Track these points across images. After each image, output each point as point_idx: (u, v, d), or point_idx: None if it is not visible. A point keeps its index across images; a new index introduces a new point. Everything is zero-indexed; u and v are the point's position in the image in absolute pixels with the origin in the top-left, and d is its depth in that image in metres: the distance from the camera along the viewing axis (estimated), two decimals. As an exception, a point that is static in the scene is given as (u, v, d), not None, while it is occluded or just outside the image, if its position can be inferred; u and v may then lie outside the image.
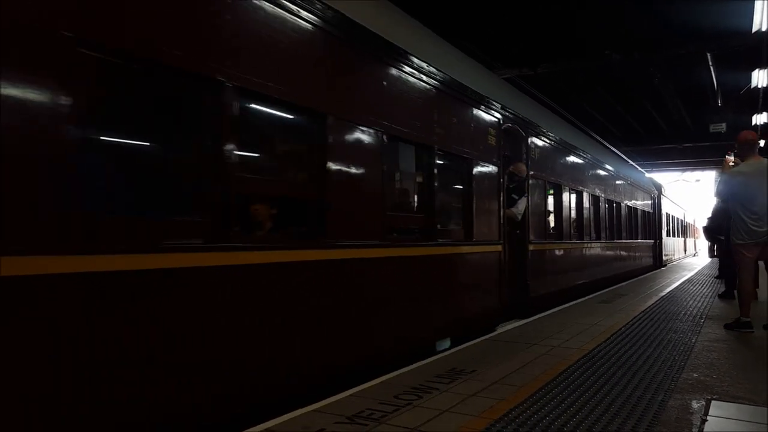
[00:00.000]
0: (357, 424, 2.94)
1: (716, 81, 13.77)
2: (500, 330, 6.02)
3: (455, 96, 5.62)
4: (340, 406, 3.23)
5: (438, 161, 5.24)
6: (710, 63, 12.26)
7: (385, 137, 4.38)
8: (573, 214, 9.85)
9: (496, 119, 6.52)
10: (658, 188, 19.59)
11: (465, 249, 5.81)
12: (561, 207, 9.11)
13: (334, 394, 3.47)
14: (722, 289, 9.26)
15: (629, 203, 14.39)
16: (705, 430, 2.89)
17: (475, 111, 6.07)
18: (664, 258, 19.86)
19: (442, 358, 4.55)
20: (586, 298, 9.09)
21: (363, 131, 4.19)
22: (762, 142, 16.95)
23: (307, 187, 3.92)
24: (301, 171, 4.12)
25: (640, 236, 15.81)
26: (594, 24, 10.39)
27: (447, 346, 5.26)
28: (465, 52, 7.35)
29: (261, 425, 2.93)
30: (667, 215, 21.73)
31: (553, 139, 8.64)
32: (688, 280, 12.65)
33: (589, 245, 10.59)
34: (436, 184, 5.17)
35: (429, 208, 5.18)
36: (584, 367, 4.23)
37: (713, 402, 3.34)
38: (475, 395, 3.47)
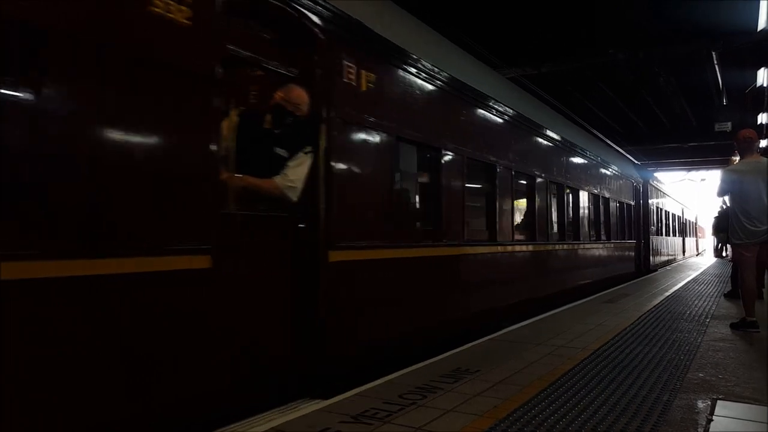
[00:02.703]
0: (362, 423, 2.94)
1: (721, 80, 13.70)
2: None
3: None
4: (344, 406, 3.24)
5: None
6: (715, 61, 12.20)
7: None
8: (477, 200, 6.53)
9: None
10: (646, 177, 16.73)
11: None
12: (441, 186, 5.51)
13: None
14: (728, 289, 9.24)
15: (596, 191, 11.09)
16: (711, 429, 2.88)
17: None
18: (653, 261, 16.76)
19: (446, 358, 4.54)
20: (590, 298, 9.05)
21: None
22: (765, 142, 16.86)
23: None
24: None
25: (614, 235, 12.39)
26: (598, 23, 10.36)
27: None
28: (469, 51, 7.32)
29: (265, 424, 2.95)
30: (659, 210, 18.80)
31: (423, 68, 5.20)
32: (694, 280, 12.60)
33: (504, 250, 6.93)
34: None
35: None
36: (589, 366, 4.22)
37: (719, 402, 3.34)
38: (479, 395, 3.47)
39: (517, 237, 7.39)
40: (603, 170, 11.98)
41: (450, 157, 5.68)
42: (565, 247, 9.34)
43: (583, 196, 10.36)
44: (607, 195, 11.94)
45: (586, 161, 10.73)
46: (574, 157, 9.96)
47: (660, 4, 9.59)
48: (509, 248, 7.17)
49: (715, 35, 10.46)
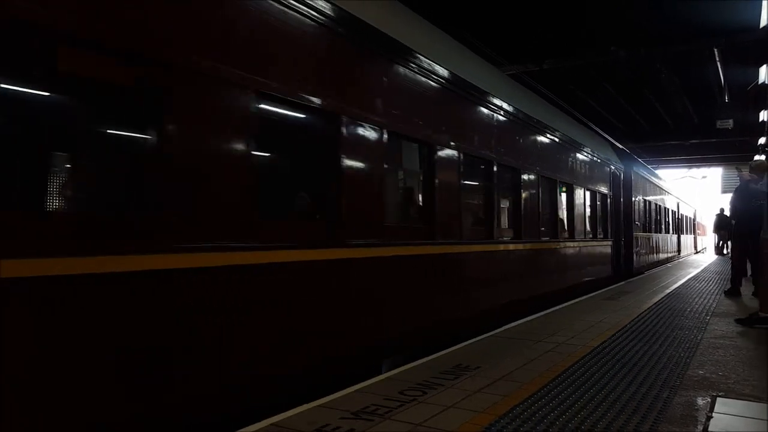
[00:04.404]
0: (362, 419, 2.95)
1: (723, 77, 13.69)
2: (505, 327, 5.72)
3: None
4: (345, 402, 3.25)
5: None
6: (717, 59, 12.19)
7: None
8: (315, 177, 4.35)
9: None
10: (629, 163, 13.91)
11: None
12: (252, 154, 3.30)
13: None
14: (728, 287, 9.23)
15: (548, 174, 8.46)
16: (710, 426, 2.88)
17: None
18: (638, 263, 14.18)
19: (447, 354, 4.55)
20: (592, 295, 9.04)
21: None
22: (764, 139, 16.83)
23: None
24: None
25: (578, 232, 9.90)
26: (600, 20, 10.33)
27: None
28: (470, 47, 7.27)
29: (266, 420, 2.95)
30: (647, 203, 15.98)
31: None
32: (694, 278, 12.60)
33: (373, 255, 4.41)
34: None
35: None
36: (589, 363, 4.23)
37: (719, 399, 3.34)
38: (479, 391, 3.48)
39: (429, 234, 5.15)
40: (562, 148, 9.21)
41: (268, 104, 3.47)
42: (493, 248, 6.78)
43: (529, 181, 7.70)
44: (568, 181, 9.47)
45: (533, 133, 8.01)
46: (514, 125, 7.29)
47: (661, 2, 9.57)
48: (383, 252, 4.50)
49: (717, 33, 10.44)
